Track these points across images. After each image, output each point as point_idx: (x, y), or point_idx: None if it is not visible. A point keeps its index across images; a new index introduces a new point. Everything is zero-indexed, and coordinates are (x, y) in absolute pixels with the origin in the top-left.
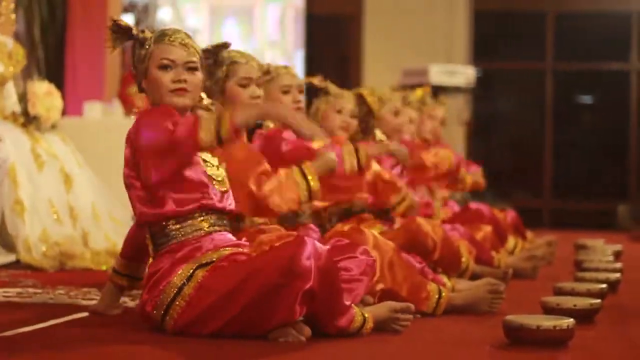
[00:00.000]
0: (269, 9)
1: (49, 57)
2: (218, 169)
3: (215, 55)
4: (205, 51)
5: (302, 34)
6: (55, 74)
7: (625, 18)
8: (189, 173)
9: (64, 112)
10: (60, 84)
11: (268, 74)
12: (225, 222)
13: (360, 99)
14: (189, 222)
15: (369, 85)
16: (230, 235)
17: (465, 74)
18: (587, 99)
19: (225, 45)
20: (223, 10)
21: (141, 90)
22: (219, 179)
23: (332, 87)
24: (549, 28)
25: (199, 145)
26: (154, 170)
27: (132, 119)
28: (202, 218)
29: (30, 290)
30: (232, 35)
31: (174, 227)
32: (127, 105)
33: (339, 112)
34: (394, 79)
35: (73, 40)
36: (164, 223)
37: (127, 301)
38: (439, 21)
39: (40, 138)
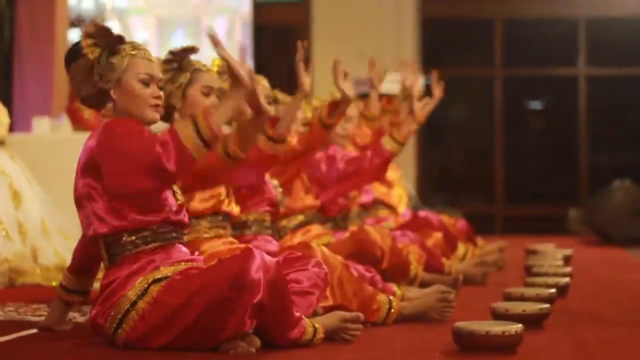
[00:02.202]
0: (217, 21)
1: None
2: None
3: (181, 60)
4: (171, 53)
5: (250, 44)
6: (3, 90)
7: (572, 23)
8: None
9: (12, 129)
10: (8, 100)
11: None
12: (181, 234)
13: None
14: (145, 233)
15: (319, 94)
16: (185, 249)
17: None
18: (536, 105)
19: (193, 50)
20: (171, 22)
21: (96, 95)
22: (178, 190)
23: (281, 96)
24: (497, 34)
25: (193, 166)
26: (132, 181)
27: (82, 133)
28: (160, 231)
29: None
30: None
31: (129, 239)
32: (75, 121)
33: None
34: None
35: (20, 56)
36: (119, 234)
37: (77, 316)
38: (388, 30)
39: None
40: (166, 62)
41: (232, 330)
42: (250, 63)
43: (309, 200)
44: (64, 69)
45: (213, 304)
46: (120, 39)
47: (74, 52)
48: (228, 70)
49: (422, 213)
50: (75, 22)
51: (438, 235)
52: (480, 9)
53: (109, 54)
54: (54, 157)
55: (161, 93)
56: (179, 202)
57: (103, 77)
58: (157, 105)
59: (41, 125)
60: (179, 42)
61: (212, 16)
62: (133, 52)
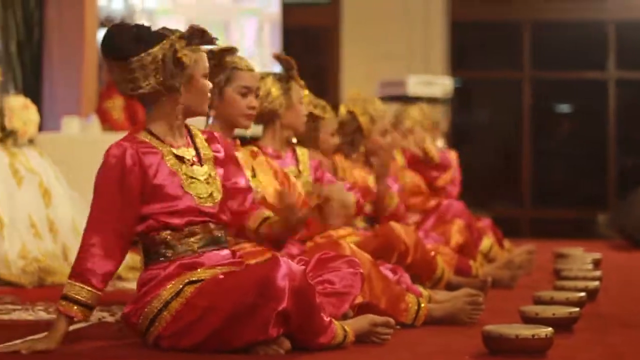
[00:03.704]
0: (246, 22)
1: (26, 73)
2: (205, 187)
3: (220, 59)
4: (210, 52)
5: (279, 46)
6: (33, 90)
7: (601, 26)
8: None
9: (42, 128)
10: (37, 100)
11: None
12: (219, 237)
13: (352, 115)
14: (181, 240)
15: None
16: (224, 252)
17: (443, 85)
18: (565, 108)
19: (231, 50)
20: (199, 24)
21: (158, 92)
22: (205, 195)
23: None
24: (526, 37)
25: None
26: None
27: (111, 133)
28: (193, 238)
29: (10, 306)
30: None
31: (166, 244)
32: (105, 120)
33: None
34: (372, 90)
35: (50, 57)
36: (156, 238)
37: (106, 316)
38: (416, 32)
39: (17, 153)
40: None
41: (255, 336)
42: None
43: None
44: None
45: (238, 310)
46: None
47: (126, 47)
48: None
49: (446, 201)
50: (105, 23)
51: (460, 222)
52: (508, 12)
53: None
54: (83, 157)
55: (255, 103)
56: (210, 205)
57: (175, 73)
58: (250, 115)
59: (70, 125)
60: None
61: (240, 17)
62: (236, 63)
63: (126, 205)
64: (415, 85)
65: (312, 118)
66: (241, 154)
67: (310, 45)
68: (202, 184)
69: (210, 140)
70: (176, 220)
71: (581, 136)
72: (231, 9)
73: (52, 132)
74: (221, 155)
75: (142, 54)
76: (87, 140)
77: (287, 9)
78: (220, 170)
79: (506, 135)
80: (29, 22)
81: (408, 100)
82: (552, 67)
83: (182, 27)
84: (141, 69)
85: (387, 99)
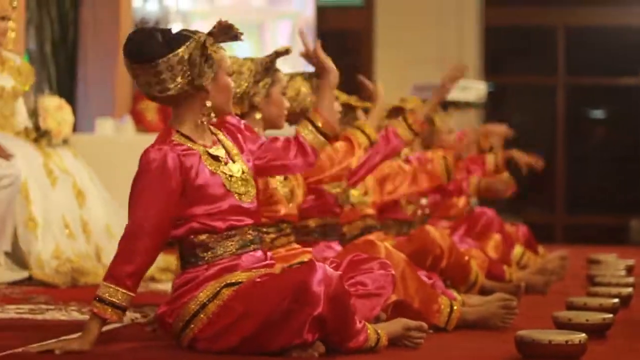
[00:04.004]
0: (280, 25)
1: (61, 74)
2: (243, 183)
3: (274, 61)
4: (277, 54)
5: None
6: (67, 91)
7: (635, 32)
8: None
9: (76, 129)
10: (71, 100)
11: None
12: (253, 239)
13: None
14: (220, 243)
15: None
16: (259, 254)
17: (476, 89)
18: (598, 114)
19: (287, 51)
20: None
21: (185, 93)
22: (244, 192)
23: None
24: (560, 42)
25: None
26: None
27: (145, 134)
28: (231, 240)
29: (43, 306)
30: (243, 50)
31: (205, 246)
32: (139, 121)
33: None
34: (405, 94)
35: (85, 58)
36: (194, 241)
37: (138, 317)
38: (450, 36)
39: (52, 153)
40: (265, 64)
41: (290, 340)
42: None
43: (368, 209)
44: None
45: (274, 315)
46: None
47: (153, 49)
48: (316, 63)
49: (478, 209)
50: (140, 24)
51: (497, 237)
52: (543, 17)
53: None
54: (116, 158)
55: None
56: (246, 203)
57: (202, 72)
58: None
59: (104, 126)
60: (241, 45)
61: (275, 20)
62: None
63: (168, 210)
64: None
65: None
66: None
67: (343, 49)
68: (239, 181)
69: (227, 131)
70: (218, 223)
71: (615, 142)
72: (267, 12)
73: (86, 133)
74: (241, 142)
75: (170, 55)
76: (121, 142)
77: (321, 12)
78: (250, 157)
79: (540, 140)
80: (63, 21)
81: (442, 104)
82: (586, 73)
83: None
84: (169, 70)
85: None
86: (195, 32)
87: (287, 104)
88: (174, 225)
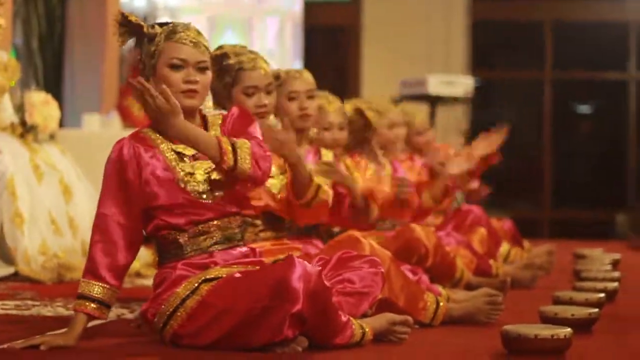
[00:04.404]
0: (268, 21)
1: (47, 69)
2: (204, 183)
3: (221, 63)
4: (214, 59)
5: (300, 45)
6: (54, 86)
7: (622, 27)
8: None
9: (63, 124)
10: (58, 96)
11: (278, 79)
12: (232, 235)
13: (359, 112)
14: (192, 239)
15: (367, 96)
16: (238, 250)
17: (463, 84)
18: (585, 108)
19: (227, 57)
20: (222, 22)
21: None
22: (204, 190)
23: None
24: (547, 37)
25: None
26: None
27: (132, 130)
28: (204, 237)
29: (29, 302)
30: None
31: (176, 243)
32: (126, 117)
33: (327, 129)
34: (393, 89)
35: (71, 53)
36: (167, 238)
37: (125, 313)
38: (437, 32)
39: (38, 149)
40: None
41: (271, 337)
42: (299, 63)
43: None
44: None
45: (253, 311)
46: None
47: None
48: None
49: (466, 206)
50: None
51: (482, 231)
52: (530, 12)
53: (147, 42)
54: (103, 154)
55: (195, 77)
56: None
57: (144, 66)
58: (189, 91)
59: (91, 121)
60: (229, 41)
61: (263, 16)
62: (168, 36)
63: (128, 201)
64: (436, 85)
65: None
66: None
67: (331, 45)
68: (200, 180)
69: (224, 121)
70: (177, 220)
71: (601, 137)
72: (255, 8)
73: (73, 128)
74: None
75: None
76: (107, 137)
77: (308, 8)
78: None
79: (526, 135)
80: (50, 17)
81: (429, 99)
82: (573, 68)
83: (204, 25)
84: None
85: (408, 98)
86: (169, 24)
87: (262, 101)
88: (144, 220)
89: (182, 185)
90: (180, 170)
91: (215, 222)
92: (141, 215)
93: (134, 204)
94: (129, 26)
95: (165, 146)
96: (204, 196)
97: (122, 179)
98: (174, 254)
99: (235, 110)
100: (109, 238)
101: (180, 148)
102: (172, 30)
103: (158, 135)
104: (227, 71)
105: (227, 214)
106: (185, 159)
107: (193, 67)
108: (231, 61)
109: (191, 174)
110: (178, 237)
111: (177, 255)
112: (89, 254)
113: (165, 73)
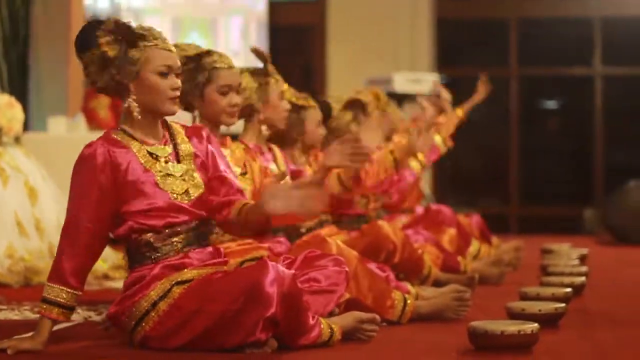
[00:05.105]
0: (232, 21)
1: (12, 72)
2: (181, 184)
3: (197, 61)
4: (188, 57)
5: (265, 44)
6: (19, 89)
7: (587, 23)
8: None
9: (28, 128)
10: (23, 99)
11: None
12: (201, 235)
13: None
14: (165, 241)
15: (334, 95)
16: (210, 249)
17: (429, 82)
18: (551, 104)
19: (208, 53)
20: (186, 22)
21: (115, 87)
22: (181, 191)
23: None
24: (512, 34)
25: None
26: None
27: (98, 132)
28: (176, 237)
29: None
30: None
31: (149, 245)
32: (91, 119)
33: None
34: (358, 87)
35: (36, 55)
36: (140, 240)
37: (92, 315)
38: (403, 30)
39: (3, 152)
40: (184, 62)
41: (243, 339)
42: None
43: None
44: (76, 56)
45: (227, 314)
46: (141, 35)
47: (87, 41)
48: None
49: (435, 206)
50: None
51: (452, 231)
52: (495, 9)
53: (127, 48)
54: (69, 156)
55: (179, 84)
56: (186, 201)
57: (122, 71)
58: (176, 97)
59: (57, 124)
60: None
61: (227, 16)
62: (151, 42)
63: (100, 205)
64: (401, 83)
65: (297, 109)
66: (236, 150)
67: (296, 44)
68: (177, 181)
69: (193, 135)
70: (155, 222)
71: (568, 132)
72: (218, 8)
73: (39, 131)
74: (202, 148)
75: (93, 49)
76: (73, 140)
77: (273, 7)
78: (201, 165)
79: (493, 132)
80: (14, 19)
81: (395, 97)
82: (539, 64)
83: (169, 26)
84: (93, 64)
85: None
86: (145, 30)
87: (234, 100)
88: (114, 224)
89: (162, 187)
90: (158, 171)
91: (187, 224)
92: (110, 219)
93: (104, 208)
94: (120, 32)
95: (138, 147)
96: (181, 197)
97: (93, 183)
98: (147, 256)
99: (206, 131)
100: (76, 242)
101: (154, 149)
102: (153, 36)
103: (131, 136)
104: (201, 70)
105: (199, 216)
106: (160, 159)
107: (175, 73)
108: (207, 60)
109: (168, 175)
110: (151, 239)
111: (150, 257)
112: (56, 258)
113: (154, 80)
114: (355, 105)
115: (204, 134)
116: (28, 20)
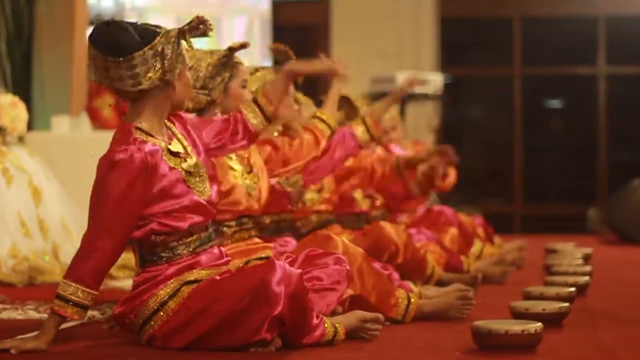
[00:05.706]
0: (236, 20)
1: (16, 72)
2: (201, 179)
3: (227, 59)
4: (230, 50)
5: (269, 43)
6: (23, 88)
7: (591, 22)
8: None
9: (32, 127)
10: (27, 98)
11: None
12: (210, 235)
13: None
14: (180, 241)
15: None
16: (215, 250)
17: (433, 81)
18: (555, 104)
19: (246, 45)
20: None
21: (158, 86)
22: (202, 187)
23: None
24: (516, 33)
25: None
26: None
27: (102, 132)
28: (191, 238)
29: None
30: (200, 46)
31: (164, 246)
32: (95, 119)
33: None
34: (362, 87)
35: (40, 55)
36: (155, 241)
37: (96, 315)
38: (407, 28)
39: (7, 152)
40: (221, 59)
41: (248, 339)
42: (268, 62)
43: (321, 206)
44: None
45: (233, 314)
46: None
47: (127, 44)
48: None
49: (437, 207)
50: (95, 21)
51: (454, 231)
52: (499, 8)
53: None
54: (73, 156)
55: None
56: (203, 200)
57: (172, 68)
58: None
59: (61, 123)
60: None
61: (231, 15)
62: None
63: (133, 211)
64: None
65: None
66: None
67: (300, 43)
68: (197, 177)
69: (178, 122)
70: (179, 223)
71: (571, 132)
72: (221, 7)
73: (43, 131)
74: (194, 135)
75: (145, 49)
76: (77, 139)
77: (276, 7)
78: (199, 153)
79: (497, 131)
80: (18, 18)
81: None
82: (543, 63)
83: (172, 25)
84: (143, 64)
85: (378, 95)
86: (159, 27)
87: (248, 96)
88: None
89: (189, 185)
90: (182, 170)
91: (201, 225)
92: (136, 222)
93: (135, 213)
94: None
95: (163, 145)
96: (202, 194)
97: (129, 189)
98: (161, 257)
99: (182, 114)
100: (98, 245)
101: (172, 146)
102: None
103: (149, 135)
104: (228, 66)
105: (212, 215)
106: (181, 157)
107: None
108: (232, 57)
109: (190, 172)
110: (169, 240)
111: (164, 257)
112: (81, 257)
113: (188, 77)
114: (347, 104)
115: (184, 117)
116: (32, 19)
